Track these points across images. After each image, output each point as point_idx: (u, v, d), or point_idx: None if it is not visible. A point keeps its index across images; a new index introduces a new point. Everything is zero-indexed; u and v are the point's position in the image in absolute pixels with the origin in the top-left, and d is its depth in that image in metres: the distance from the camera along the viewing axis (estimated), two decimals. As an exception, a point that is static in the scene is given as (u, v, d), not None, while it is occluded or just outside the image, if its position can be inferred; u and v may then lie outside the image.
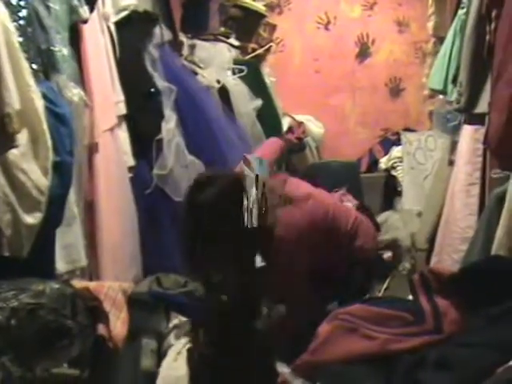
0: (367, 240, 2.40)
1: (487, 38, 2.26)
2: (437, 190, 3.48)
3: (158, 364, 2.58)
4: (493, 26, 2.21)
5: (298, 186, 2.37)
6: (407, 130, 5.24)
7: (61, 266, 2.35)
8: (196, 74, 3.64)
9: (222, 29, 4.39)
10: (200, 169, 3.15)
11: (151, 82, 3.13)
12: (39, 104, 2.02)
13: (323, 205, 2.33)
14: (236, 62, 4.10)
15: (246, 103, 3.86)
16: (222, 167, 3.01)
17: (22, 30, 2.08)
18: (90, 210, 2.67)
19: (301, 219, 2.17)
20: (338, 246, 2.29)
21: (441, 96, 3.61)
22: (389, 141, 5.65)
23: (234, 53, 4.20)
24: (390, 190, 5.13)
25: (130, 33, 3.03)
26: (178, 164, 3.15)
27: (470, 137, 2.92)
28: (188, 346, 2.53)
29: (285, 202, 2.19)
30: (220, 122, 3.43)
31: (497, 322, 1.58)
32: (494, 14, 2.20)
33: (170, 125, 3.17)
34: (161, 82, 3.17)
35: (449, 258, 2.95)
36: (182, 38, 3.75)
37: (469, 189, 2.89)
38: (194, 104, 3.33)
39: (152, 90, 3.11)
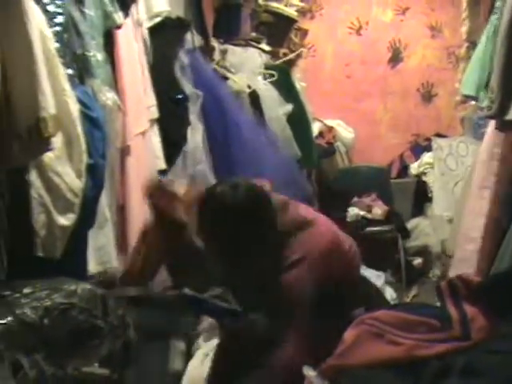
0: (359, 263, 2.37)
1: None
2: (468, 196, 3.44)
3: (187, 365, 2.61)
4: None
5: (306, 209, 2.34)
6: (438, 135, 5.21)
7: (92, 267, 2.39)
8: (227, 79, 3.67)
9: (254, 34, 4.42)
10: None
11: (179, 87, 3.18)
12: (74, 108, 2.07)
13: (332, 227, 2.32)
14: (267, 67, 4.12)
15: (276, 108, 3.88)
16: (250, 173, 3.04)
17: (58, 36, 2.13)
18: (121, 212, 2.71)
19: (320, 240, 2.15)
20: (343, 266, 2.27)
21: (473, 102, 3.59)
22: (420, 146, 5.63)
23: (265, 58, 4.23)
24: (421, 196, 5.10)
25: (162, 39, 3.07)
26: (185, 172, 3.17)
27: (489, 140, 2.92)
28: (215, 349, 2.56)
29: (301, 225, 2.16)
30: (248, 128, 3.45)
31: (525, 330, 1.57)
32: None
33: (195, 136, 3.20)
34: (188, 88, 3.21)
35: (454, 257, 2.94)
36: (214, 43, 3.79)
37: (481, 192, 2.88)
38: (223, 110, 3.36)
39: (179, 96, 3.15)
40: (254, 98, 3.74)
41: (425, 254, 4.73)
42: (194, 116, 3.21)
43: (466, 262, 2.84)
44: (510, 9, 2.40)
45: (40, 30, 1.91)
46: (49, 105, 1.88)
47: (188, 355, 2.66)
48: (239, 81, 3.69)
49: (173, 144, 3.13)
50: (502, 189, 2.71)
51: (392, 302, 3.54)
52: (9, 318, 1.67)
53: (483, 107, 2.75)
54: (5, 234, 1.90)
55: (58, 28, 2.15)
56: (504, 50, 2.45)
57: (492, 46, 2.67)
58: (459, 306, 1.76)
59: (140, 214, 2.80)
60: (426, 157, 5.14)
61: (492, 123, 2.86)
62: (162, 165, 3.05)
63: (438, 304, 1.86)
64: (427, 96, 5.91)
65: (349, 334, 1.71)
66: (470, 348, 1.64)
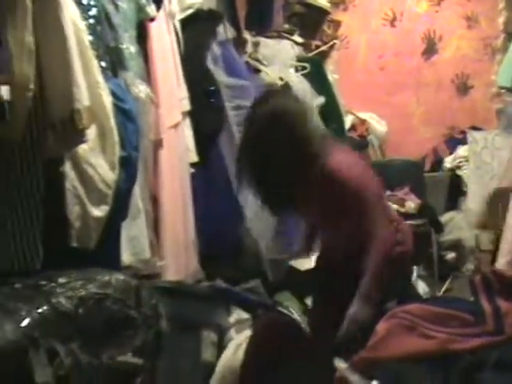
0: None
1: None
2: (503, 190, 3.39)
3: (218, 356, 2.63)
4: None
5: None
6: (474, 128, 5.13)
7: (126, 257, 2.41)
8: (259, 71, 3.66)
9: (286, 26, 4.41)
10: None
11: (212, 79, 3.18)
12: (107, 100, 2.09)
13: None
14: (299, 59, 4.10)
15: (308, 100, 3.87)
16: None
17: (91, 29, 2.15)
18: (154, 204, 2.74)
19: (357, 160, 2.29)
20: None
21: (510, 94, 3.53)
22: (454, 139, 5.55)
23: (298, 50, 4.21)
24: (455, 190, 5.04)
25: (194, 31, 3.08)
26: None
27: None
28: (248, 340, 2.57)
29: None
30: None
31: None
32: None
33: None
34: (222, 78, 3.21)
35: (503, 258, 2.89)
36: (246, 35, 3.78)
37: None
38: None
39: (212, 88, 3.16)
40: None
41: (458, 248, 4.68)
42: (230, 105, 3.20)
43: None
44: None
45: (74, 22, 1.93)
46: (83, 97, 1.90)
47: (220, 346, 2.68)
48: (271, 73, 3.68)
49: (205, 136, 3.14)
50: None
51: (424, 296, 3.52)
52: (44, 307, 1.70)
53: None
54: (40, 225, 1.93)
55: (91, 21, 2.17)
56: (541, 40, 2.40)
57: (530, 36, 2.62)
58: (493, 300, 1.74)
59: (171, 205, 2.82)
60: (461, 150, 5.07)
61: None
62: (194, 157, 3.07)
63: (472, 298, 1.84)
64: (462, 88, 5.82)
65: (381, 327, 1.71)
66: (503, 343, 1.62)
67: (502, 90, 3.74)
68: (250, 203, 3.14)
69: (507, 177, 3.43)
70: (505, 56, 3.38)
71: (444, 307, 1.73)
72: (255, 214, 3.16)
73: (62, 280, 1.82)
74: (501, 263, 2.87)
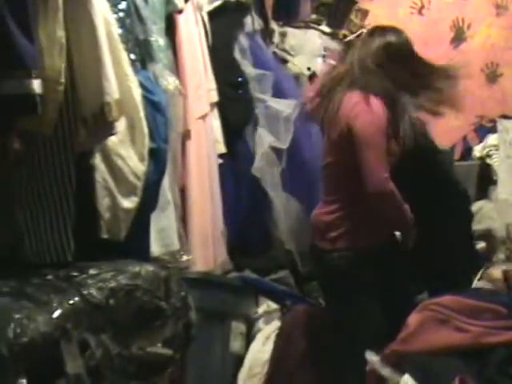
0: None
1: None
2: (535, 179, 3.35)
3: (247, 347, 2.64)
4: None
5: None
6: (504, 117, 5.04)
7: (155, 249, 2.43)
8: (286, 61, 3.64)
9: (313, 16, 4.37)
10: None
11: (240, 70, 3.17)
12: (137, 93, 2.10)
13: None
14: (327, 48, 4.07)
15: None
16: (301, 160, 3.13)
17: (121, 22, 2.16)
18: (182, 195, 2.75)
19: None
20: None
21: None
22: (484, 128, 5.46)
23: (326, 39, 4.17)
24: (485, 179, 4.97)
25: (222, 22, 3.08)
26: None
27: None
28: (277, 331, 2.57)
29: None
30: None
31: None
32: None
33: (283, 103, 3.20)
34: (250, 70, 3.20)
35: None
36: (274, 25, 3.76)
37: None
38: (279, 94, 3.33)
39: (240, 79, 3.15)
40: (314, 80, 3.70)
41: (488, 237, 4.62)
42: (261, 95, 3.19)
43: None
44: None
45: (104, 16, 1.94)
46: (113, 90, 1.91)
47: (248, 337, 2.68)
48: (299, 63, 3.66)
49: (233, 127, 3.14)
50: None
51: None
52: (76, 299, 1.72)
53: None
54: (72, 218, 1.95)
55: (120, 14, 2.18)
56: None
57: None
58: (527, 293, 1.72)
59: (200, 196, 2.83)
60: (491, 139, 4.99)
61: None
62: (222, 149, 3.07)
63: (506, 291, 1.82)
64: (492, 76, 5.72)
65: (413, 320, 1.70)
66: (538, 336, 1.60)
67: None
68: (278, 195, 3.15)
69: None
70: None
71: (478, 299, 1.71)
72: (283, 207, 3.16)
73: (92, 271, 1.84)
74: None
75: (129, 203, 2.11)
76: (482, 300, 1.71)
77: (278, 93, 3.33)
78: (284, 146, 3.12)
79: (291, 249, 3.13)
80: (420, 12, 5.74)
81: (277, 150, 3.18)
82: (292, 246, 3.14)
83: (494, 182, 4.65)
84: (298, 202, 3.19)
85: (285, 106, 3.18)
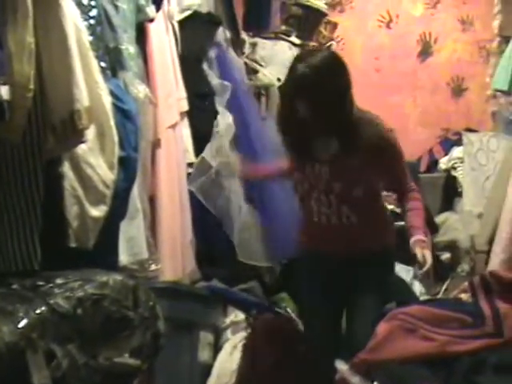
0: None
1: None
2: (498, 191, 3.41)
3: (214, 357, 2.63)
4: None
5: None
6: (469, 130, 5.14)
7: (123, 258, 2.41)
8: (257, 72, 3.66)
9: (284, 27, 4.41)
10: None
11: (206, 81, 3.19)
12: (107, 100, 2.08)
13: None
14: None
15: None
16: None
17: (91, 30, 2.15)
18: (151, 204, 2.73)
19: None
20: None
21: (504, 96, 3.54)
22: (449, 141, 5.56)
23: (295, 51, 4.21)
24: (450, 191, 5.05)
25: (192, 32, 3.08)
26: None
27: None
28: (244, 341, 2.57)
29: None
30: (257, 126, 3.42)
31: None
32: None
33: (227, 119, 3.20)
34: (215, 81, 3.22)
35: (497, 257, 2.90)
36: (244, 36, 3.79)
37: None
38: (236, 106, 3.34)
39: (206, 89, 3.17)
40: (284, 91, 3.72)
41: (453, 248, 4.69)
42: (221, 107, 3.20)
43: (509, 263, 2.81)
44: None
45: (74, 23, 1.93)
46: (83, 97, 1.90)
47: (216, 347, 2.68)
48: (269, 74, 3.68)
49: (201, 137, 3.14)
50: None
51: (421, 297, 3.52)
52: (42, 308, 1.69)
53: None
54: (39, 226, 1.92)
55: (91, 21, 2.17)
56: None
57: (526, 40, 2.64)
58: (492, 302, 1.74)
59: (169, 205, 2.82)
60: (456, 151, 5.08)
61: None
62: (192, 158, 3.07)
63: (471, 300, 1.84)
64: (457, 90, 5.84)
65: (381, 329, 1.71)
66: (503, 345, 1.63)
67: (497, 93, 3.75)
68: (243, 212, 3.16)
69: (501, 178, 3.45)
70: (500, 59, 3.40)
71: (444, 309, 1.74)
72: (242, 218, 3.17)
73: (59, 281, 1.82)
74: (494, 263, 2.88)
75: (97, 212, 2.09)
76: (449, 309, 1.74)
77: (235, 105, 3.35)
78: (213, 161, 3.11)
79: (243, 260, 3.14)
80: (388, 25, 5.83)
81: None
82: (246, 259, 3.15)
83: (459, 194, 4.72)
84: (258, 214, 3.20)
85: (221, 122, 3.18)
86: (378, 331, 1.70)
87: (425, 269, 2.17)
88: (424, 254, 2.21)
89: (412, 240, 2.26)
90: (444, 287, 4.03)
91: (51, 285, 1.80)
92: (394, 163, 2.38)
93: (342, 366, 1.64)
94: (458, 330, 1.67)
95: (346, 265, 2.33)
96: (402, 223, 2.43)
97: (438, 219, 4.83)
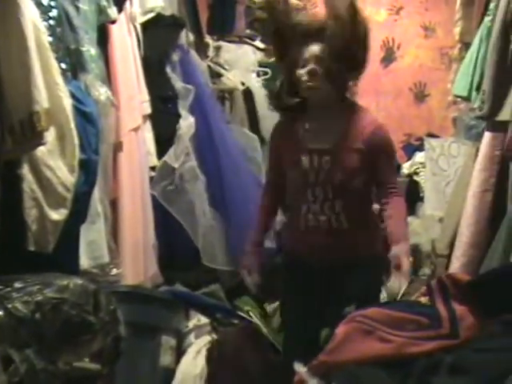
0: None
1: (511, 46, 2.26)
2: (458, 196, 3.47)
3: (177, 361, 2.62)
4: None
5: None
6: (431, 135, 5.21)
7: (84, 262, 2.39)
8: (221, 75, 3.67)
9: (248, 31, 4.42)
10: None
11: (169, 84, 3.18)
12: (67, 103, 2.07)
13: None
14: (261, 64, 4.12)
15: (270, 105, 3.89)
16: (217, 174, 3.16)
17: (51, 30, 2.13)
18: (113, 207, 2.71)
19: None
20: None
21: (465, 102, 3.60)
22: (412, 146, 5.63)
23: (259, 55, 4.23)
24: (412, 196, 5.10)
25: (155, 35, 3.07)
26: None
27: (488, 143, 2.93)
28: (208, 345, 2.57)
29: None
30: (221, 130, 3.43)
31: (512, 328, 1.58)
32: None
33: (188, 121, 3.19)
34: (178, 84, 3.21)
35: (457, 261, 2.95)
36: (208, 39, 3.78)
37: (483, 195, 2.89)
38: (200, 109, 3.34)
39: (169, 93, 3.16)
40: (248, 95, 3.74)
41: (415, 252, 4.74)
42: (184, 110, 3.19)
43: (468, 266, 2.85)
44: (503, 10, 2.41)
45: (34, 23, 1.91)
46: (42, 99, 1.88)
47: (179, 351, 2.66)
48: (233, 78, 3.69)
49: (164, 141, 3.13)
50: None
51: (384, 301, 3.55)
52: (0, 313, 1.67)
53: (475, 108, 2.77)
54: (-3, 228, 1.90)
55: (51, 22, 2.15)
56: (496, 52, 2.46)
57: (485, 47, 2.69)
58: (448, 304, 1.77)
59: (131, 209, 2.80)
60: (418, 156, 5.15)
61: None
62: (155, 161, 3.06)
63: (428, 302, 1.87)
64: (420, 96, 5.92)
65: (339, 331, 1.72)
66: (459, 346, 1.65)
67: (458, 99, 3.82)
68: (206, 216, 3.16)
69: (462, 183, 3.51)
70: (461, 65, 3.45)
71: (401, 311, 1.76)
72: (205, 222, 3.17)
73: (18, 285, 1.79)
74: (455, 267, 2.92)
75: (57, 215, 2.07)
76: (406, 311, 1.76)
77: (199, 108, 3.34)
78: (176, 164, 3.10)
79: (207, 264, 3.13)
80: (352, 31, 5.88)
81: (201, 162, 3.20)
82: (210, 262, 3.15)
83: (421, 199, 4.78)
84: (221, 217, 3.20)
85: (183, 124, 3.18)
86: (337, 333, 1.72)
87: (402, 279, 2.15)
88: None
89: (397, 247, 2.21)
90: (402, 291, 4.08)
91: (9, 289, 1.77)
92: (387, 155, 2.35)
93: (300, 368, 1.65)
94: (415, 331, 1.69)
95: (332, 273, 2.30)
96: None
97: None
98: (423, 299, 1.93)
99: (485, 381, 1.47)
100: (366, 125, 2.27)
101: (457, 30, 4.28)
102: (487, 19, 2.77)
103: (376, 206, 2.62)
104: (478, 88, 2.74)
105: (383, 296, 3.78)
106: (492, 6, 2.71)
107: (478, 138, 3.32)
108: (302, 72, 2.26)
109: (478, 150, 3.24)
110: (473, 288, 1.80)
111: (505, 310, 1.67)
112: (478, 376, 1.48)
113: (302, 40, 2.25)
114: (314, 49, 2.26)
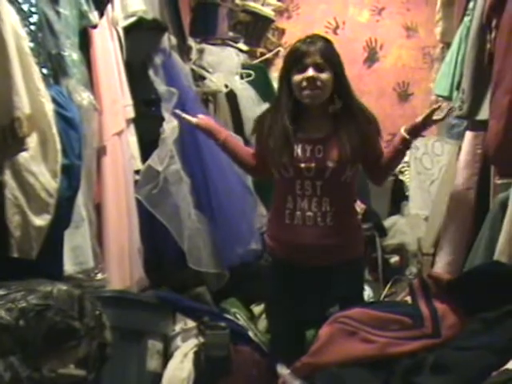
0: None
1: (488, 46, 2.27)
2: (443, 195, 3.49)
3: (164, 365, 2.61)
4: (493, 35, 2.22)
5: None
6: (415, 134, 5.23)
7: (68, 267, 2.38)
8: (204, 78, 3.67)
9: (231, 33, 4.42)
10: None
11: (152, 88, 3.17)
12: (49, 108, 2.05)
13: None
14: (244, 66, 4.12)
15: (253, 108, 3.89)
16: (202, 177, 3.16)
17: (32, 36, 2.11)
18: (97, 212, 2.70)
19: None
20: None
21: (446, 102, 3.62)
22: (396, 146, 5.65)
23: (243, 57, 4.23)
24: (398, 195, 5.13)
25: (138, 39, 3.07)
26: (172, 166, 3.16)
27: (469, 142, 2.95)
28: (195, 348, 2.56)
29: None
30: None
31: (493, 327, 1.59)
32: (493, 23, 2.21)
33: (171, 124, 3.19)
34: (161, 87, 3.21)
35: (441, 259, 2.97)
36: (191, 42, 3.78)
37: (466, 193, 2.92)
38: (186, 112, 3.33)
39: (153, 96, 3.16)
40: (232, 97, 3.74)
41: (401, 251, 4.77)
42: (167, 114, 3.19)
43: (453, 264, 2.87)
44: (480, 11, 2.43)
45: (14, 29, 1.90)
46: (23, 105, 1.87)
47: (166, 355, 2.66)
48: (217, 80, 3.69)
49: (148, 144, 3.12)
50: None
51: (370, 301, 3.57)
52: (-17, 320, 1.66)
53: (455, 107, 2.78)
54: (-21, 235, 1.89)
55: (32, 27, 2.13)
56: (474, 51, 2.47)
57: (465, 46, 2.70)
58: (430, 303, 1.78)
59: (115, 213, 2.80)
60: (403, 156, 5.17)
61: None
62: (139, 165, 3.05)
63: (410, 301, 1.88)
64: (403, 95, 5.96)
65: (323, 332, 1.73)
66: (441, 345, 1.67)
67: (439, 98, 3.84)
68: (192, 219, 3.15)
69: (446, 182, 3.53)
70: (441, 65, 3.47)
71: (384, 311, 1.77)
72: (191, 225, 3.16)
73: (1, 292, 1.79)
74: (439, 266, 2.94)
75: (41, 221, 2.06)
76: (389, 312, 1.77)
77: (183, 111, 3.33)
78: (160, 167, 3.10)
79: (193, 267, 3.13)
80: (335, 32, 5.91)
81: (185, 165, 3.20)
82: (196, 265, 3.14)
83: (407, 198, 4.81)
84: (207, 220, 3.20)
85: (167, 128, 3.17)
86: (320, 334, 1.73)
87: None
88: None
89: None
90: (386, 290, 4.10)
91: (-8, 296, 1.76)
92: (377, 138, 2.58)
93: (283, 370, 1.65)
94: (398, 331, 1.70)
95: (316, 272, 2.31)
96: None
97: (387, 223, 4.91)
98: (409, 298, 1.95)
99: (465, 379, 1.48)
100: (357, 112, 2.46)
101: (438, 30, 4.30)
102: (467, 19, 2.78)
103: (359, 205, 2.67)
104: (459, 87, 2.76)
105: (368, 295, 3.80)
106: (471, 5, 2.72)
107: (461, 136, 3.35)
108: (299, 78, 2.32)
109: (460, 149, 3.26)
110: (453, 287, 1.81)
111: (484, 308, 1.69)
112: (459, 374, 1.50)
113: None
114: (313, 56, 2.35)
